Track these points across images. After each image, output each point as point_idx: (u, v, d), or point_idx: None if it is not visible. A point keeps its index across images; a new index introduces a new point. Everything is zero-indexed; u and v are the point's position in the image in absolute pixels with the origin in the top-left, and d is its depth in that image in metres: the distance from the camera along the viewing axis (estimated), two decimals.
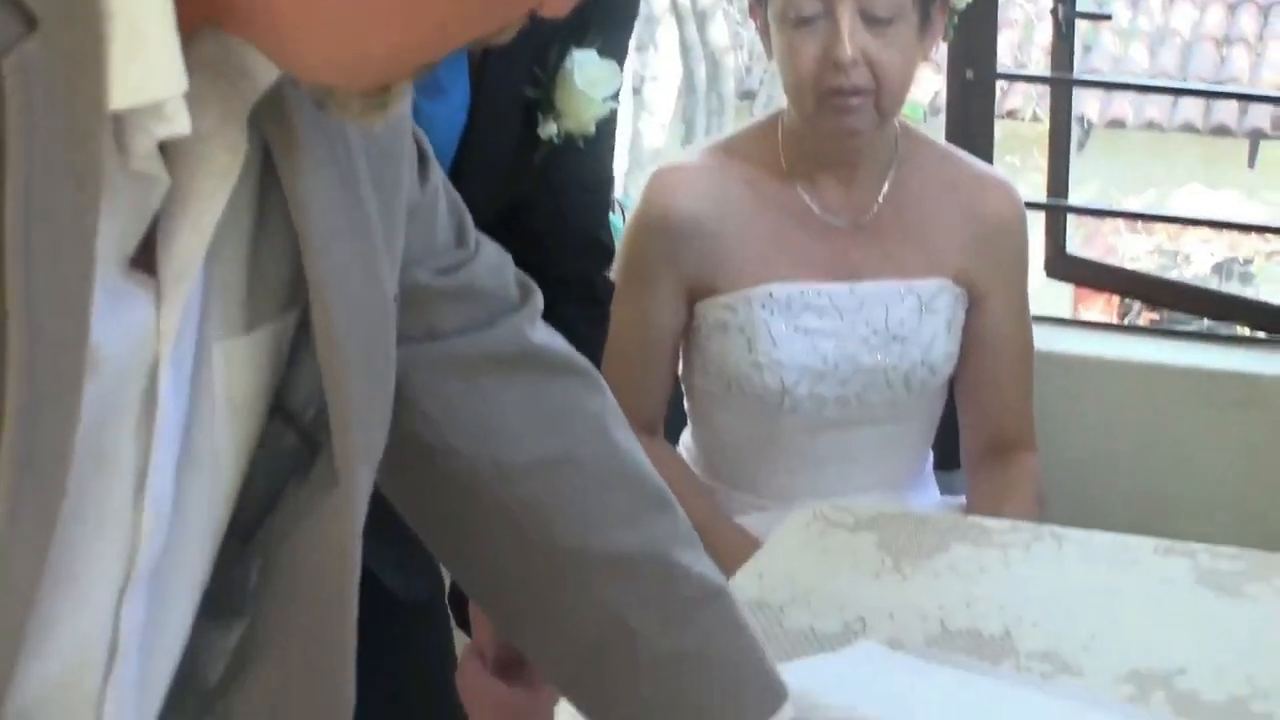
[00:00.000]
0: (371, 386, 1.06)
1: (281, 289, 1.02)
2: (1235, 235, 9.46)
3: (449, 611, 1.86)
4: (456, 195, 1.28)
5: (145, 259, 0.93)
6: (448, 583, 1.88)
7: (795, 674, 1.59)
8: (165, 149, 0.90)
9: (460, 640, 2.20)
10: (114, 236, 0.89)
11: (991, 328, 2.41)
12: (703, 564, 1.30)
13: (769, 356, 2.31)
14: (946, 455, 2.58)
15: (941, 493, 2.54)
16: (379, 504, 1.76)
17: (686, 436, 2.55)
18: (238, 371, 1.01)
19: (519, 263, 1.76)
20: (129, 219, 0.91)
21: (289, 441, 1.06)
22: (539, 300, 1.32)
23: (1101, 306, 7.05)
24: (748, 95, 11.22)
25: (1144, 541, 1.93)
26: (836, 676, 1.60)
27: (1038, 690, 1.61)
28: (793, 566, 1.89)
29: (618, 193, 3.28)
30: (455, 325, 1.24)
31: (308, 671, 1.11)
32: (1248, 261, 9.53)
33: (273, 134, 0.97)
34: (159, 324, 0.94)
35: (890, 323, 2.33)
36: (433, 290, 1.22)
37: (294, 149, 0.97)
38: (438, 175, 1.22)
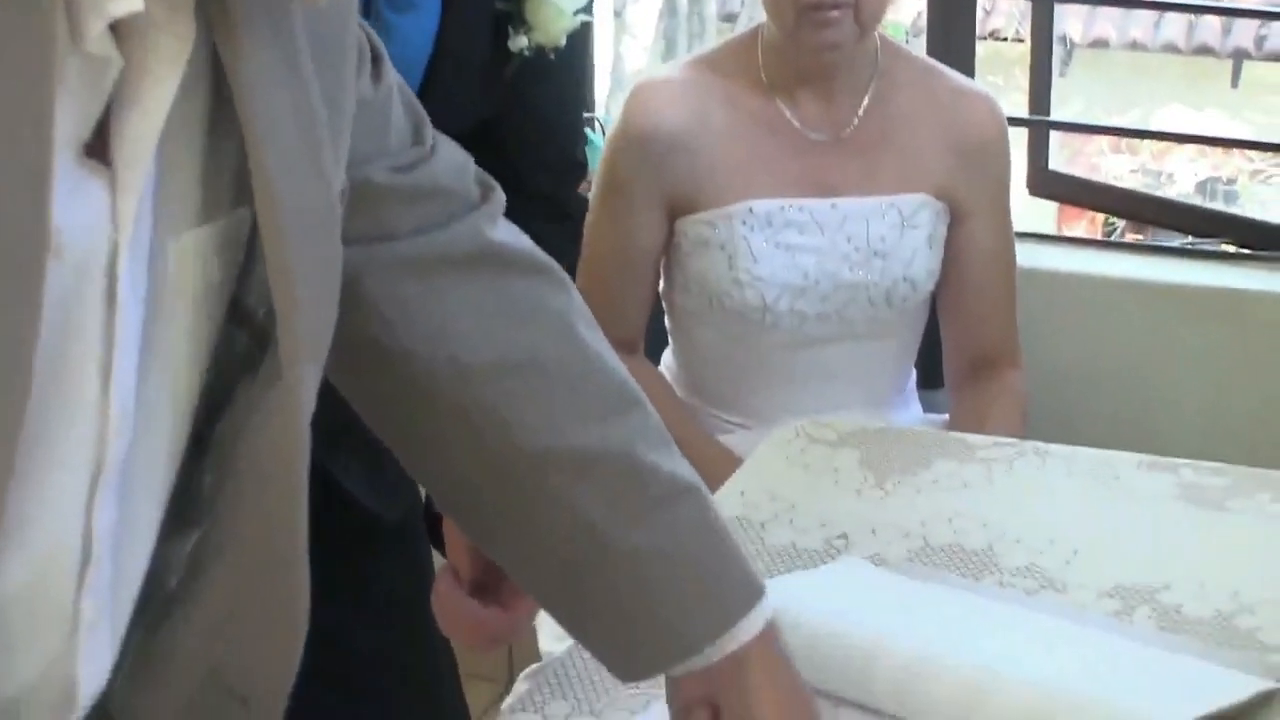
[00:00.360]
0: (317, 280, 1.05)
1: (233, 182, 1.02)
2: (1219, 155, 9.43)
3: (426, 532, 1.85)
4: (414, 97, 1.26)
5: (100, 148, 0.93)
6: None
7: (777, 589, 1.58)
8: (117, 36, 0.90)
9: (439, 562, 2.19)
10: (69, 121, 0.89)
11: (973, 243, 2.39)
12: (674, 462, 1.28)
13: (749, 273, 2.29)
14: (930, 374, 2.56)
15: (925, 411, 2.53)
16: (353, 424, 1.75)
17: (668, 355, 2.53)
18: (193, 264, 1.01)
19: None
20: (83, 102, 0.91)
21: (242, 343, 1.05)
22: (500, 199, 1.30)
23: (1084, 228, 7.02)
24: (729, 18, 11.15)
25: (1127, 457, 1.92)
26: (818, 592, 1.59)
27: (1020, 605, 1.60)
28: (774, 483, 1.88)
29: (598, 113, 3.26)
30: (411, 225, 1.23)
31: (262, 573, 1.10)
32: (1231, 181, 9.49)
33: (216, 18, 0.96)
34: (116, 213, 0.94)
35: (871, 238, 2.31)
36: (387, 189, 1.20)
37: (236, 33, 0.97)
38: (392, 76, 1.21)
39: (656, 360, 2.53)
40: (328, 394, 1.70)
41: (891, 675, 1.46)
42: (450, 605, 1.57)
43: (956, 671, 1.45)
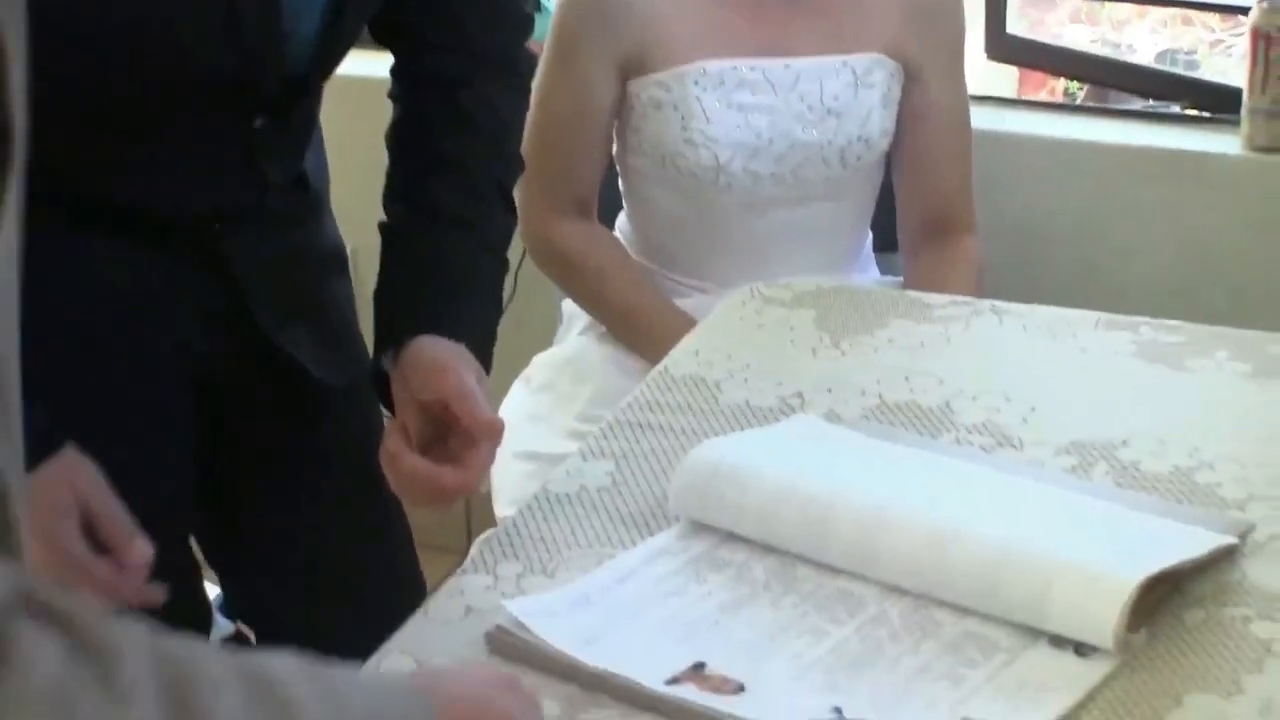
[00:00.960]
0: None
1: None
2: (1179, 27, 9.39)
3: (376, 395, 1.83)
4: None
5: None
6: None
7: (731, 446, 1.57)
8: None
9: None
10: None
11: (927, 103, 2.36)
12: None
13: (703, 133, 2.26)
14: (887, 237, 2.54)
15: (882, 274, 2.51)
16: (301, 302, 1.71)
17: (622, 219, 2.50)
18: None
19: (438, 41, 1.71)
20: None
21: None
22: None
23: (1045, 98, 6.98)
24: None
25: (1085, 315, 1.90)
26: (772, 449, 1.57)
27: (977, 462, 1.58)
28: (729, 343, 1.86)
29: None
30: None
31: None
32: (1191, 52, 9.47)
33: None
34: None
35: (825, 98, 2.28)
36: None
37: None
38: None
39: (611, 225, 2.50)
40: (278, 274, 1.67)
41: (847, 532, 1.45)
42: (400, 463, 1.55)
43: (913, 527, 1.43)
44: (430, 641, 1.39)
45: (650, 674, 1.32)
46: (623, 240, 2.47)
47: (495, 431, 1.55)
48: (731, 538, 1.50)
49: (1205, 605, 1.39)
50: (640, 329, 2.33)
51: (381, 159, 1.72)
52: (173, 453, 1.69)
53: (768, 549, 1.49)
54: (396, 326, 1.62)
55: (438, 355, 1.57)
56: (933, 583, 1.41)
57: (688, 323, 2.17)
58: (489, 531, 1.62)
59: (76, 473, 1.47)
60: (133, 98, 1.51)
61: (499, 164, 1.73)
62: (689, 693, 1.30)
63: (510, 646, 1.37)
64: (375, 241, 1.69)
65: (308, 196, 1.74)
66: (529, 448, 2.26)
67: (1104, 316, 1.89)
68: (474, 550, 1.54)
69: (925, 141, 2.38)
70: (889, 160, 2.40)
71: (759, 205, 2.33)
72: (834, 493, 1.48)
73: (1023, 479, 1.55)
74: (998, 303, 1.94)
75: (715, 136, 2.26)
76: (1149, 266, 2.71)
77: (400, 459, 1.54)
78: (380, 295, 1.67)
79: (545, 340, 2.53)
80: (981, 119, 2.56)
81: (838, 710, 1.28)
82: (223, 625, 1.87)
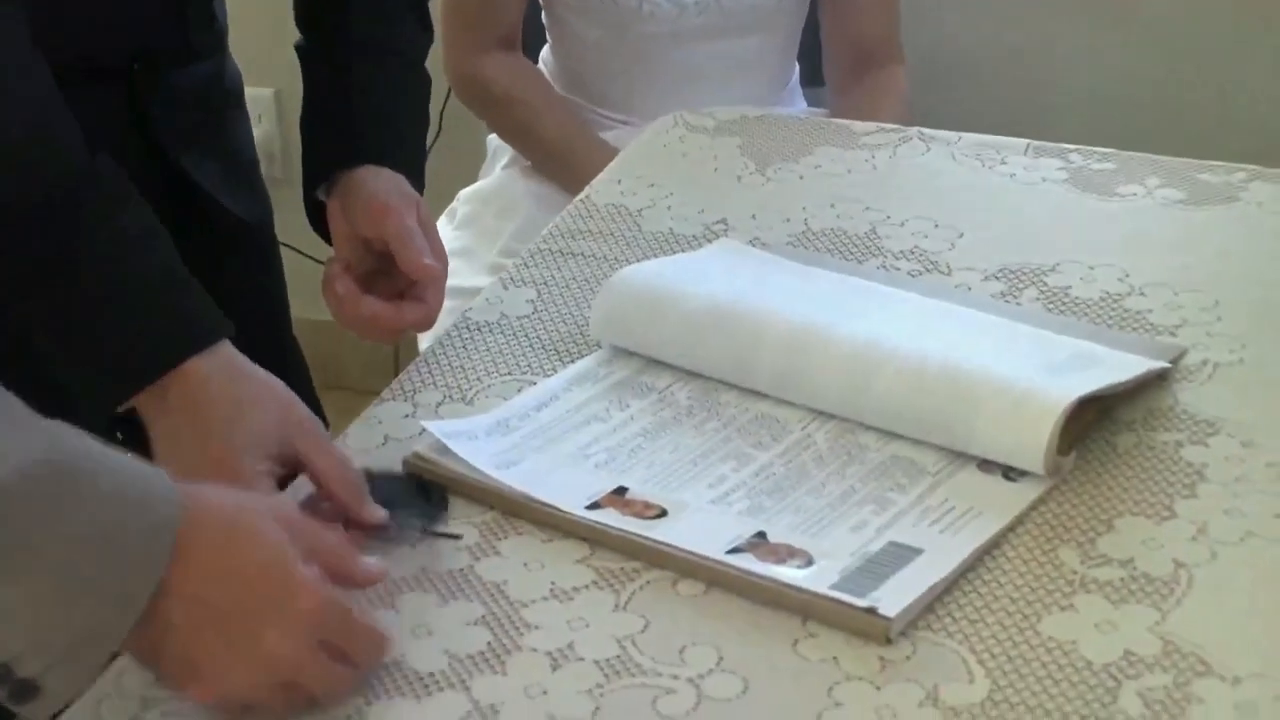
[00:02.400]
0: None
1: None
2: None
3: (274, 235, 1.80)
4: None
5: None
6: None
7: (653, 272, 1.54)
8: None
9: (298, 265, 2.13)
10: None
11: None
12: None
13: None
14: (814, 70, 2.50)
15: (810, 106, 2.47)
16: (205, 126, 1.66)
17: (546, 52, 2.45)
18: None
19: None
20: None
21: None
22: None
23: None
24: None
25: (1014, 142, 1.86)
26: (696, 274, 1.53)
27: (905, 287, 1.55)
28: (652, 171, 1.81)
29: None
30: None
31: None
32: None
33: None
34: None
35: None
36: None
37: None
38: None
39: (535, 59, 2.45)
40: (185, 111, 1.62)
41: (771, 357, 1.42)
42: (359, 308, 1.50)
43: (838, 351, 1.40)
44: None
45: (571, 499, 1.29)
46: (546, 73, 2.42)
47: (437, 278, 1.51)
48: (654, 364, 1.47)
49: (1137, 430, 1.37)
50: (566, 163, 2.29)
51: None
52: None
53: (691, 374, 1.46)
54: (329, 158, 1.57)
55: (377, 191, 1.53)
56: (858, 407, 1.38)
57: (609, 153, 2.12)
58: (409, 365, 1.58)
59: None
60: None
61: None
62: (610, 517, 1.27)
63: (427, 473, 1.33)
64: (299, 84, 1.65)
65: (214, 32, 1.69)
66: (451, 283, 2.22)
67: (1033, 143, 1.86)
68: (393, 381, 1.50)
69: None
70: None
71: (684, 36, 2.29)
72: (757, 317, 1.45)
73: (951, 303, 1.52)
74: (925, 129, 1.90)
75: None
76: (1078, 97, 2.68)
77: (357, 303, 1.49)
78: (307, 125, 1.63)
79: (470, 175, 2.49)
80: None
81: (761, 535, 1.25)
82: None
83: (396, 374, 1.52)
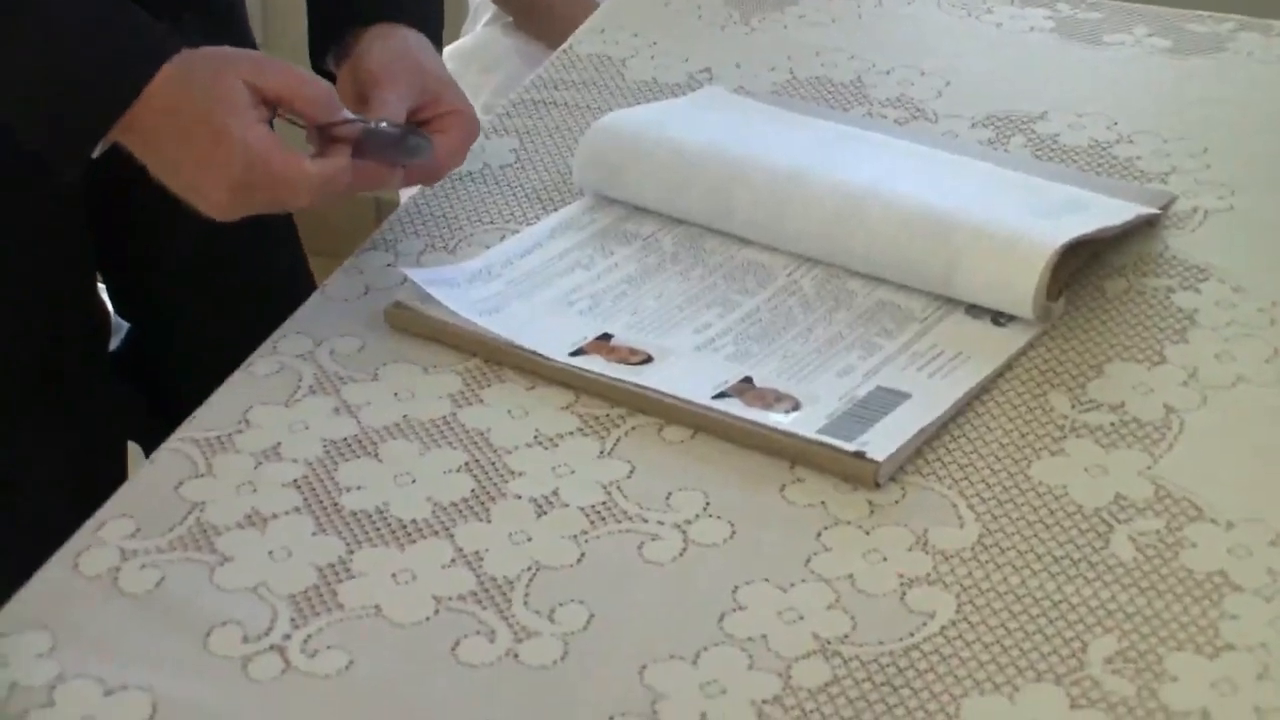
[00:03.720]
0: None
1: None
2: None
3: None
4: None
5: None
6: None
7: (635, 117, 1.52)
8: None
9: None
10: None
11: None
12: None
13: None
14: None
15: None
16: None
17: None
18: None
19: None
20: None
21: None
22: None
23: None
24: None
25: None
26: (678, 119, 1.51)
27: (891, 134, 1.53)
28: (635, 21, 1.79)
29: None
30: None
31: None
32: None
33: None
34: None
35: None
36: None
37: None
38: None
39: None
40: None
41: (756, 202, 1.40)
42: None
43: (823, 195, 1.38)
44: (328, 321, 1.34)
45: (554, 345, 1.27)
46: None
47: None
48: (639, 211, 1.45)
49: (1127, 275, 1.36)
50: (543, 13, 2.26)
51: None
52: None
53: (676, 221, 1.44)
54: (338, 17, 1.47)
55: (376, 65, 1.40)
56: (844, 252, 1.36)
57: (591, 6, 2.09)
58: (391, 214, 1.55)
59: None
60: None
61: None
62: (595, 364, 1.26)
63: (410, 321, 1.32)
64: None
65: None
66: None
67: None
68: (374, 231, 1.48)
69: None
70: None
71: None
72: (741, 162, 1.42)
73: (938, 150, 1.49)
74: None
75: None
76: None
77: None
78: None
79: (453, 33, 2.45)
80: None
81: (748, 379, 1.24)
82: (120, 325, 1.80)
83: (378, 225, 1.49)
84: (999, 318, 1.30)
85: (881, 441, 1.16)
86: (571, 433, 1.21)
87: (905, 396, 1.22)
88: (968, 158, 1.48)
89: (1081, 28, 1.76)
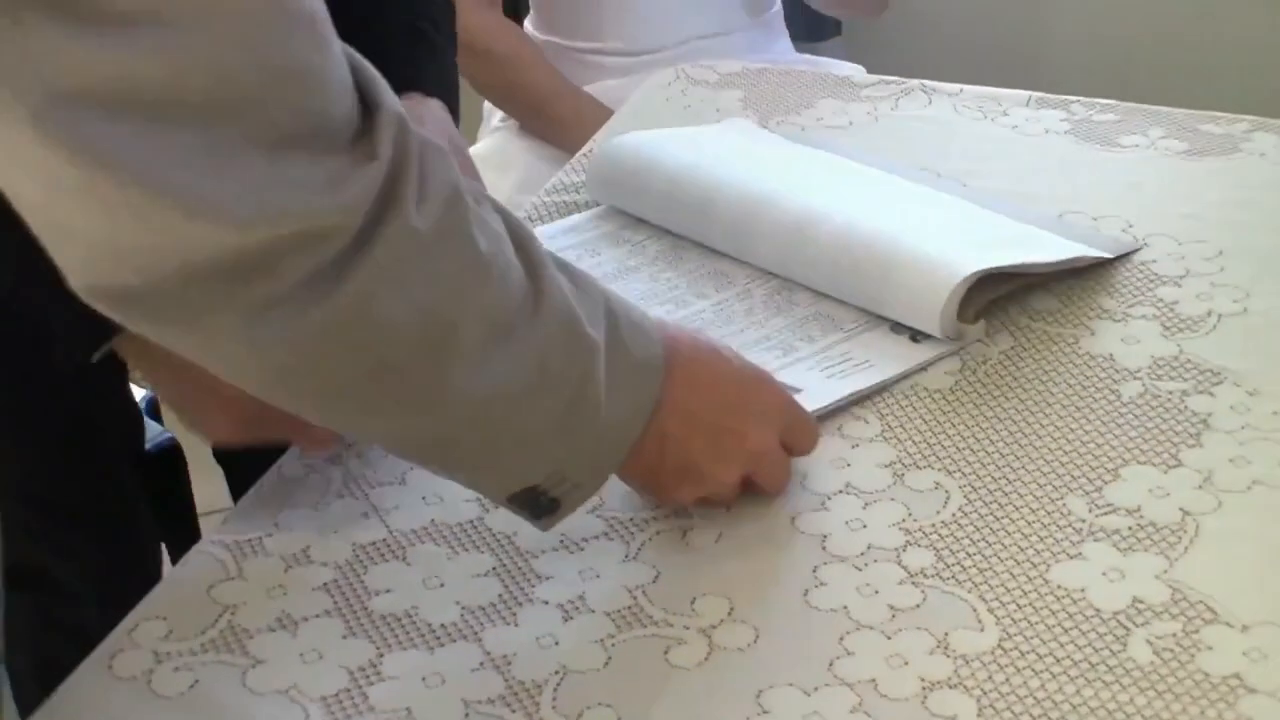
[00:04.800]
0: None
1: None
2: None
3: None
4: None
5: None
6: None
7: (644, 135, 1.67)
8: None
9: None
10: None
11: None
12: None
13: None
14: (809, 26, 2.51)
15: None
16: None
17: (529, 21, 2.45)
18: None
19: None
20: None
21: None
22: None
23: None
24: None
25: (1016, 94, 1.86)
26: (684, 138, 1.66)
27: (891, 169, 1.64)
28: (655, 123, 1.81)
29: None
30: None
31: None
32: None
33: None
34: None
35: None
36: None
37: None
38: None
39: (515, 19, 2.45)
40: None
41: (728, 215, 1.54)
42: None
43: (784, 215, 1.50)
44: None
45: None
46: (528, 26, 2.43)
47: None
48: (639, 221, 1.60)
49: (1142, 379, 1.38)
50: (552, 116, 2.30)
51: None
52: None
53: (665, 231, 1.58)
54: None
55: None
56: (794, 265, 1.48)
57: (599, 108, 2.14)
58: None
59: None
60: None
61: None
62: None
63: None
64: None
65: None
66: None
67: (1035, 94, 1.86)
68: None
69: None
70: None
71: None
72: (721, 183, 1.56)
73: (919, 184, 1.60)
74: (927, 81, 1.90)
75: None
76: (1078, 48, 2.68)
77: None
78: None
79: (469, 138, 2.49)
80: None
81: None
82: (153, 428, 1.82)
83: None
84: (917, 335, 1.41)
85: None
86: (597, 536, 1.23)
87: (795, 390, 1.30)
88: (942, 192, 1.59)
89: (1097, 129, 1.78)
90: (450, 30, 1.60)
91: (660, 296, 1.49)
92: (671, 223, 1.58)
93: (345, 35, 1.50)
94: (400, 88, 1.44)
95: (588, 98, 2.29)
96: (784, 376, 1.33)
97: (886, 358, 1.39)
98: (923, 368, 1.38)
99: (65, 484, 1.55)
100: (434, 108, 1.50)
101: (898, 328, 1.42)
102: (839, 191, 1.55)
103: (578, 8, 2.35)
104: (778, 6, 2.46)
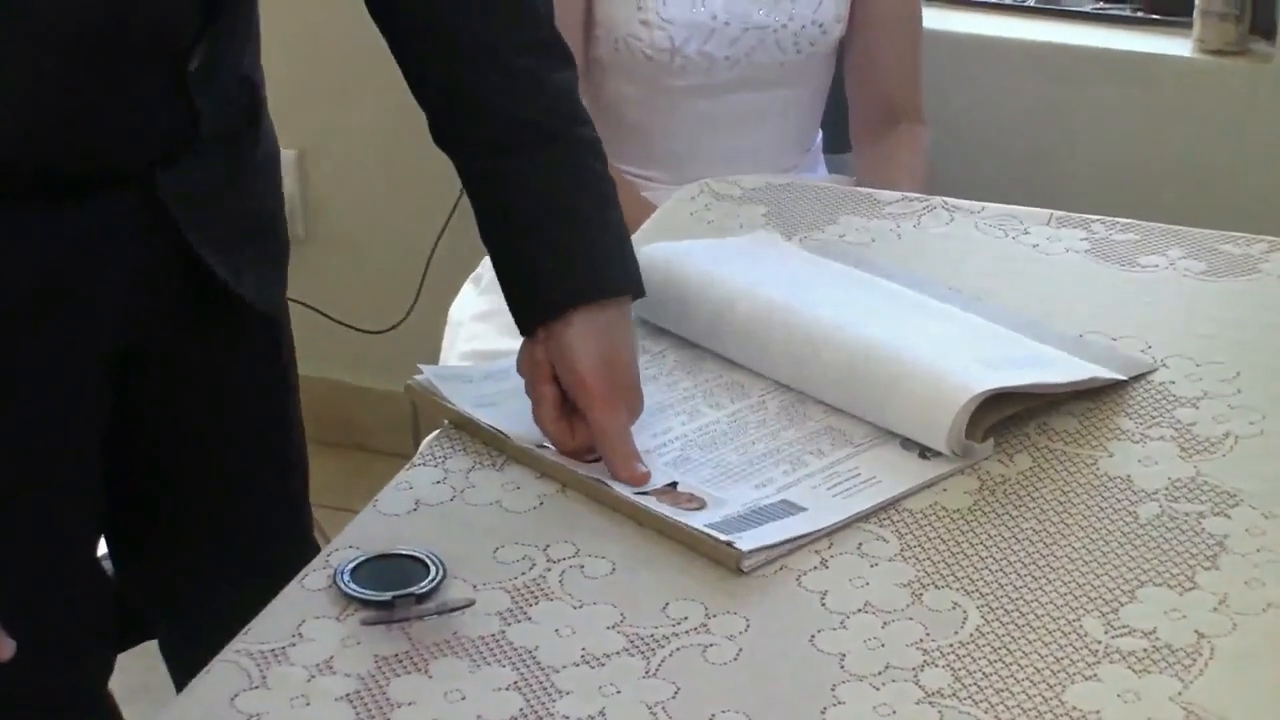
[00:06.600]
0: None
1: None
2: None
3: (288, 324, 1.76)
4: None
5: None
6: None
7: (669, 247, 1.69)
8: None
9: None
10: None
11: None
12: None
13: (657, 14, 2.28)
14: (837, 138, 2.53)
15: (831, 172, 2.50)
16: (257, 237, 1.62)
17: None
18: None
19: None
20: None
21: None
22: None
23: None
24: None
25: (1037, 213, 1.88)
26: (709, 253, 1.68)
27: (909, 283, 1.67)
28: (678, 236, 1.83)
29: None
30: None
31: None
32: None
33: None
34: None
35: None
36: None
37: None
38: None
39: None
40: (215, 203, 1.56)
41: (744, 327, 1.56)
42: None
43: (799, 325, 1.53)
44: (379, 535, 1.37)
45: (530, 433, 1.45)
46: None
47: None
48: (661, 331, 1.62)
49: (1159, 500, 1.39)
50: None
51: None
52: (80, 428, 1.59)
53: (687, 341, 1.60)
54: (538, 300, 1.45)
55: (575, 355, 1.42)
56: (806, 379, 1.50)
57: (645, 205, 2.15)
58: (436, 431, 1.59)
59: None
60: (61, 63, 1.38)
61: (529, 25, 1.50)
62: (550, 454, 1.43)
63: (425, 396, 1.53)
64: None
65: (250, 103, 1.60)
66: (474, 347, 2.24)
67: (1056, 214, 1.88)
68: (423, 447, 1.52)
69: (877, 27, 2.40)
70: (841, 53, 2.40)
71: (711, 90, 2.35)
72: (737, 291, 1.58)
73: (938, 300, 1.62)
74: (949, 199, 1.92)
75: (670, 18, 2.29)
76: (1099, 169, 2.70)
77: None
78: (500, 253, 1.49)
79: None
80: (930, 19, 2.55)
81: (673, 484, 1.37)
82: None
83: (414, 433, 1.55)
84: (926, 451, 1.42)
85: (754, 538, 1.29)
86: (618, 652, 1.24)
87: (801, 510, 1.33)
88: (959, 309, 1.61)
89: (1116, 249, 1.80)
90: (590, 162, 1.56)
91: (674, 407, 1.51)
92: (690, 333, 1.60)
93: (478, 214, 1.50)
94: (565, 302, 1.44)
95: (637, 197, 2.30)
96: (791, 495, 1.36)
97: (895, 474, 1.41)
98: (929, 485, 1.40)
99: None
100: (582, 325, 1.43)
101: (908, 444, 1.44)
102: (853, 305, 1.58)
103: (627, 134, 2.38)
104: (818, 144, 2.50)
